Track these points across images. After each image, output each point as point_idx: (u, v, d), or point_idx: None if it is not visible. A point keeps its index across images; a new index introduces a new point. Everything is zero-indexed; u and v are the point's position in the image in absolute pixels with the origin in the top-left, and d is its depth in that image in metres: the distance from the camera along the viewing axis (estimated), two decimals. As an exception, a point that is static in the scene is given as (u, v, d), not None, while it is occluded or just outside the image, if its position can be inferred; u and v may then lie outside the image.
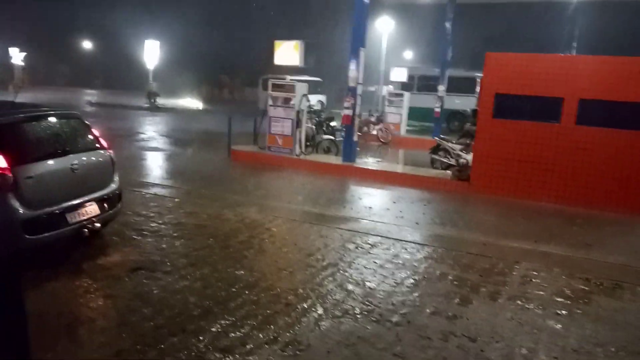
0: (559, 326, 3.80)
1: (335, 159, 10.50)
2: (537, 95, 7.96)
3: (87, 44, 52.03)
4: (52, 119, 4.65)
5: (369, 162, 11.00)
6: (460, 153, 9.63)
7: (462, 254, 5.33)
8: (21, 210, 3.89)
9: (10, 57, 33.85)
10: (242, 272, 4.49)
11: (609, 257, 5.53)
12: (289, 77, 17.90)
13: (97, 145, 4.92)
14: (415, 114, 19.43)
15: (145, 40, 25.65)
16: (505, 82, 8.15)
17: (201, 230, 5.61)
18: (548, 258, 5.36)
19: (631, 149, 7.46)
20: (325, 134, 12.16)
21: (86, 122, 5.02)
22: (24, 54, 34.07)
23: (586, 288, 4.58)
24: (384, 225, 6.29)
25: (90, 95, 32.20)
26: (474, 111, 11.56)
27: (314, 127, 11.72)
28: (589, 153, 7.70)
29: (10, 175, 3.84)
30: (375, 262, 4.94)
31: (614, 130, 7.54)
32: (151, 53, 25.48)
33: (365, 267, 4.79)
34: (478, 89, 18.94)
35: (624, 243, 6.23)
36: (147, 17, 41.42)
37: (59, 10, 47.34)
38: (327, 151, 11.56)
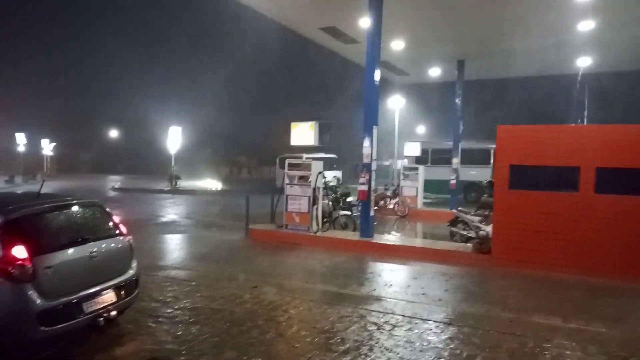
0: (601, 413, 3.50)
1: (352, 235, 10.42)
2: (552, 165, 7.96)
3: (112, 132, 54.84)
4: (73, 208, 4.78)
5: (387, 237, 10.88)
6: (479, 225, 9.49)
7: (489, 333, 5.07)
8: (38, 301, 3.88)
9: (42, 149, 35.73)
10: (260, 359, 4.32)
11: (646, 332, 5.20)
12: (305, 156, 18.34)
13: (117, 231, 5.00)
14: (431, 186, 19.48)
15: (168, 127, 26.87)
16: (519, 154, 8.20)
17: (217, 314, 5.49)
18: (579, 334, 5.05)
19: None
20: (342, 209, 12.19)
21: (106, 209, 5.14)
22: (53, 144, 35.95)
23: (627, 368, 4.26)
24: (406, 304, 6.08)
25: (114, 181, 33.26)
26: (490, 182, 11.56)
27: (330, 203, 11.79)
28: (610, 221, 7.51)
29: (29, 265, 3.89)
30: (398, 345, 4.72)
31: (635, 198, 7.40)
32: (173, 138, 26.59)
33: (387, 350, 4.58)
34: (492, 160, 19.10)
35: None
36: (168, 104, 43.81)
37: (84, 100, 50.61)
38: (345, 227, 11.51)
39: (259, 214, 12.03)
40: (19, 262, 3.86)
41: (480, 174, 19.93)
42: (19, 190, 5.94)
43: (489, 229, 8.86)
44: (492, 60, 16.58)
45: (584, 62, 16.41)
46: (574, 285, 7.10)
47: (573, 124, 16.13)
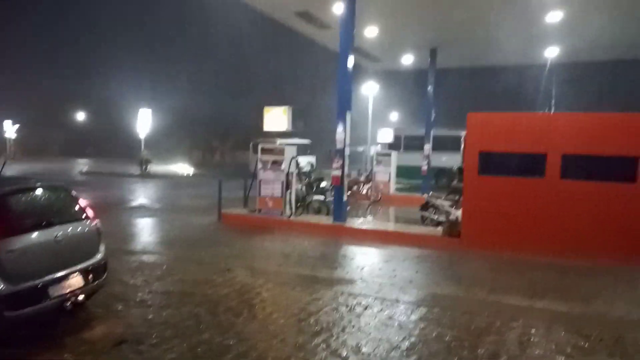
0: (561, 387, 3.65)
1: (326, 219, 10.48)
2: (521, 152, 8.17)
3: (80, 115, 53.15)
4: (37, 191, 4.63)
5: (360, 222, 10.97)
6: (449, 209, 9.68)
7: (458, 313, 5.20)
8: (1, 286, 3.77)
9: (4, 131, 34.38)
10: (232, 341, 4.32)
11: (605, 310, 5.44)
12: (278, 141, 18.23)
13: (83, 215, 4.86)
14: (403, 172, 19.71)
15: (139, 109, 26.22)
16: (488, 141, 8.37)
17: (189, 298, 5.45)
18: (545, 314, 5.25)
19: (614, 200, 7.57)
20: (316, 194, 12.22)
21: (72, 192, 5.00)
22: (16, 126, 34.61)
23: (587, 345, 4.45)
24: (377, 286, 6.17)
25: (82, 165, 32.37)
26: (460, 168, 11.77)
27: (304, 188, 11.79)
28: (575, 206, 7.79)
29: (-9, 249, 3.76)
30: (369, 325, 4.80)
31: (598, 183, 7.68)
32: (143, 121, 25.96)
33: (359, 331, 4.65)
34: (462, 146, 19.43)
35: (617, 294, 6.14)
36: (139, 86, 42.68)
37: (53, 81, 48.76)
38: (318, 211, 11.55)
39: (232, 199, 11.94)
40: (-20, 246, 3.73)
41: (451, 160, 20.28)
42: (-20, 173, 5.72)
43: (458, 213, 9.05)
44: (463, 49, 16.77)
45: (552, 52, 16.77)
46: (541, 267, 7.34)
47: (541, 112, 16.53)
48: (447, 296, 5.88)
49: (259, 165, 10.64)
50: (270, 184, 10.48)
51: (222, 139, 46.03)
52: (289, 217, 10.32)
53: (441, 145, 20.26)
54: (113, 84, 45.95)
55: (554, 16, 12.47)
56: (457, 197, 10.49)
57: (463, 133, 18.02)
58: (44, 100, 48.80)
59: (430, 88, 17.13)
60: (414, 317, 5.09)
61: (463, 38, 15.14)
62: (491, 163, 8.35)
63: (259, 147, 10.90)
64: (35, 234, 4.22)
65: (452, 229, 8.81)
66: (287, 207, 10.37)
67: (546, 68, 19.49)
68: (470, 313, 5.21)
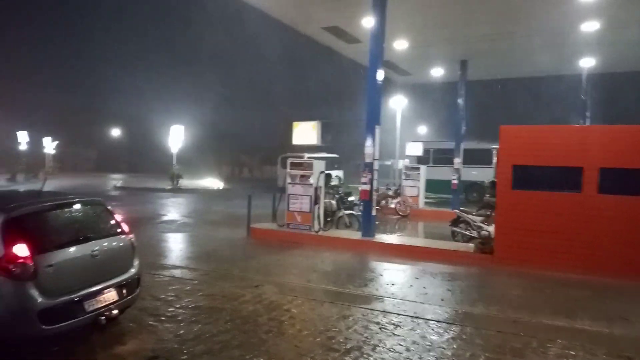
0: (605, 415, 3.47)
1: (354, 234, 10.40)
2: (556, 166, 7.94)
3: (114, 131, 54.84)
4: (75, 206, 4.76)
5: (389, 237, 10.85)
6: (481, 225, 9.46)
7: (492, 333, 5.04)
8: (39, 300, 3.87)
9: (44, 147, 35.76)
10: (261, 358, 4.30)
11: (650, 332, 5.18)
12: (307, 155, 18.32)
13: (119, 230, 4.98)
14: (432, 186, 19.46)
15: (171, 126, 26.83)
16: (522, 154, 8.18)
17: (219, 313, 5.48)
18: (583, 335, 5.03)
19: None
20: (346, 208, 12.16)
21: (108, 207, 5.13)
22: (55, 142, 35.94)
23: (630, 369, 4.23)
24: (408, 303, 6.06)
25: (116, 180, 33.29)
26: (493, 183, 11.53)
27: (333, 202, 11.77)
28: (613, 221, 7.49)
29: (31, 264, 3.87)
30: (400, 345, 4.70)
31: (637, 198, 7.37)
32: (176, 137, 26.54)
33: (390, 350, 4.56)
34: (495, 160, 19.04)
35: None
36: (170, 103, 43.76)
37: (86, 99, 50.61)
38: (349, 226, 11.48)
39: (261, 213, 12.01)
40: (21, 261, 3.84)
41: (482, 174, 19.90)
42: (21, 188, 5.97)
43: (491, 228, 8.83)
44: (495, 60, 16.55)
45: (587, 63, 16.36)
46: (577, 285, 7.08)
47: (576, 125, 16.08)
48: (480, 315, 5.72)
49: (288, 179, 10.69)
50: (298, 199, 10.50)
51: (251, 153, 46.61)
52: (317, 231, 10.30)
53: (471, 158, 19.93)
54: (144, 100, 47.37)
55: (590, 26, 12.18)
56: (489, 212, 10.27)
57: (494, 146, 17.75)
58: (78, 117, 50.56)
59: (460, 100, 16.95)
60: (446, 337, 4.96)
61: (495, 49, 14.95)
62: (525, 177, 8.15)
63: (288, 161, 10.95)
64: (72, 249, 4.33)
65: (485, 245, 8.61)
66: (316, 221, 10.36)
67: (581, 79, 18.97)
68: (504, 333, 5.05)
